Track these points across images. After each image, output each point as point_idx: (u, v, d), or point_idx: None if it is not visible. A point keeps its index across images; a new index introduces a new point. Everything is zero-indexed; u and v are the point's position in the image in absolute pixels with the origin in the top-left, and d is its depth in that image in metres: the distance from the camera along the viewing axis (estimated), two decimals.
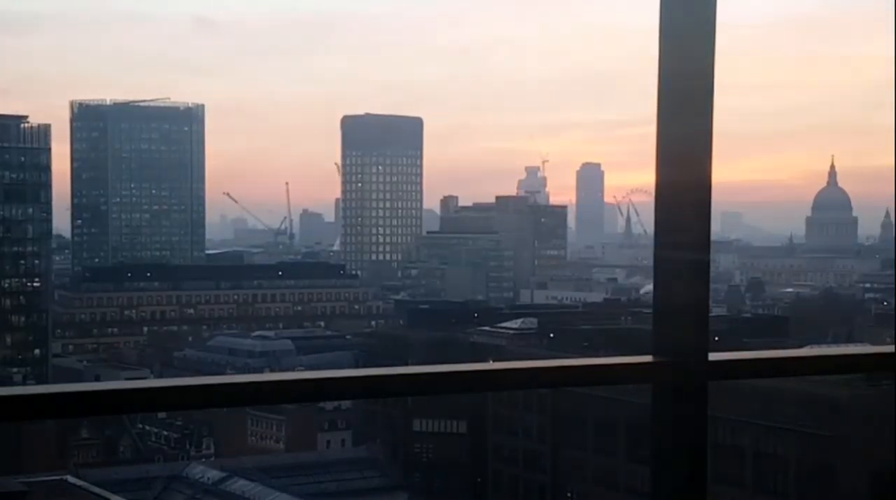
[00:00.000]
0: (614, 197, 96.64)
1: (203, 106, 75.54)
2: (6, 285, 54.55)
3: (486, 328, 46.57)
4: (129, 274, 64.38)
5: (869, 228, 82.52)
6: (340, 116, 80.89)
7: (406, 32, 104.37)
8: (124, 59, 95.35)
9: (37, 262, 56.24)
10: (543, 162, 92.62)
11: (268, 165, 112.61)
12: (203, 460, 38.12)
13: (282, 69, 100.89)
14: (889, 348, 4.24)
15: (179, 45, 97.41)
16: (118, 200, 73.23)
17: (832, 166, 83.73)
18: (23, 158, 55.66)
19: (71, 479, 27.56)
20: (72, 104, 72.42)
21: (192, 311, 62.59)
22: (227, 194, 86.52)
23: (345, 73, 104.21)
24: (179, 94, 77.36)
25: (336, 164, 79.79)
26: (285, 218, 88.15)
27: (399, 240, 76.89)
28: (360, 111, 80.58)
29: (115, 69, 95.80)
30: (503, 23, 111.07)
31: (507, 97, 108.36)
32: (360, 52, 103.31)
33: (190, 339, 58.02)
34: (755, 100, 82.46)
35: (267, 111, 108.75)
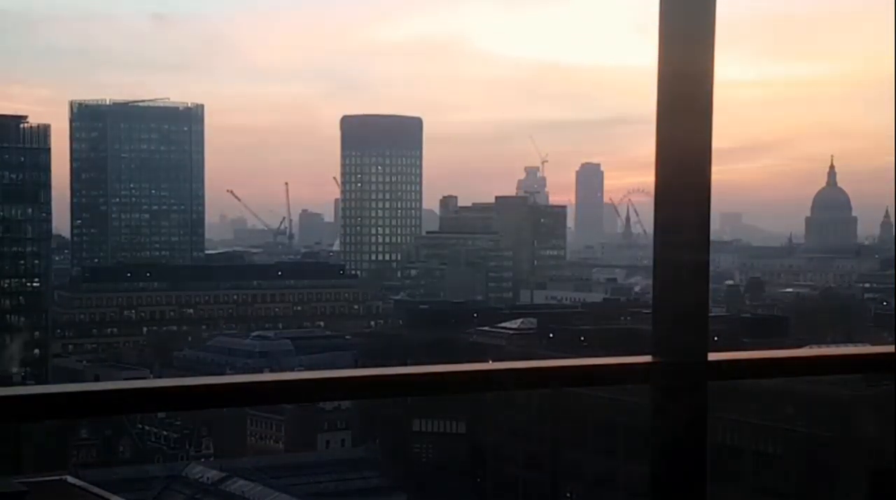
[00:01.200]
0: (611, 199, 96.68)
1: (202, 106, 75.65)
2: (6, 285, 54.56)
3: (486, 328, 46.56)
4: (129, 274, 64.37)
5: (869, 228, 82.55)
6: (340, 116, 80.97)
7: (402, 30, 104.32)
8: (93, 57, 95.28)
9: (37, 262, 56.25)
10: (543, 162, 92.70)
11: (267, 165, 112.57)
12: (203, 460, 38.10)
13: (268, 67, 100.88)
14: (889, 348, 4.25)
15: (147, 44, 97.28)
16: (118, 200, 73.24)
17: (832, 166, 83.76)
18: (22, 158, 55.67)
19: (71, 479, 27.53)
20: (71, 104, 72.48)
21: (191, 311, 62.59)
22: (231, 192, 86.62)
23: (342, 71, 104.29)
24: (151, 92, 77.36)
25: (335, 178, 79.92)
26: (284, 218, 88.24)
27: (399, 240, 76.89)
28: (360, 111, 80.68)
29: (106, 71, 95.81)
30: (502, 22, 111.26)
31: (506, 96, 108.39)
32: (352, 49, 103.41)
33: (189, 339, 58.02)
34: (754, 98, 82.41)
35: (262, 110, 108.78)
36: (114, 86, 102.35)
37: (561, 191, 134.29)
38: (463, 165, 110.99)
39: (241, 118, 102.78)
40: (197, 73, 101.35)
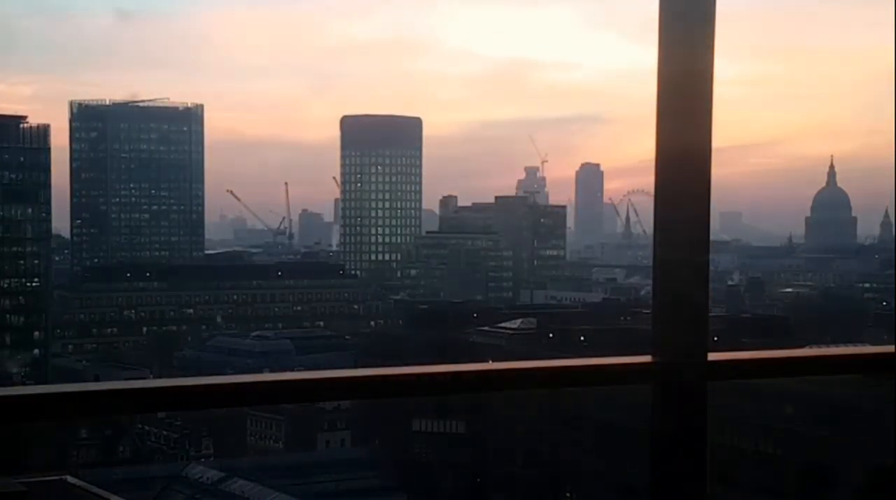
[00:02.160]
0: (610, 199, 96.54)
1: (202, 106, 75.65)
2: (6, 285, 54.59)
3: (486, 328, 46.56)
4: (129, 274, 64.38)
5: (869, 228, 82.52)
6: (340, 116, 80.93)
7: (372, 27, 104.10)
8: (69, 54, 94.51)
9: (36, 262, 56.28)
10: (543, 162, 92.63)
11: (266, 165, 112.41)
12: (202, 460, 38.08)
13: (249, 65, 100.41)
14: (889, 348, 4.25)
15: (117, 41, 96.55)
16: (118, 200, 73.24)
17: (832, 166, 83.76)
18: (22, 158, 55.72)
19: (71, 479, 27.50)
20: (71, 104, 72.49)
21: (191, 311, 62.59)
22: (230, 192, 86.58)
23: (319, 69, 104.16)
24: (127, 90, 77.08)
25: (334, 178, 79.91)
26: (284, 218, 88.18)
27: (399, 240, 76.86)
28: (360, 111, 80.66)
29: (86, 69, 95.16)
30: (469, 19, 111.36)
31: (504, 94, 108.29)
32: (326, 46, 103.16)
33: (189, 339, 58.03)
34: (753, 95, 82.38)
35: (259, 109, 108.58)
36: (97, 84, 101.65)
37: (561, 191, 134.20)
38: (463, 164, 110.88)
39: (226, 116, 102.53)
40: (177, 72, 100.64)
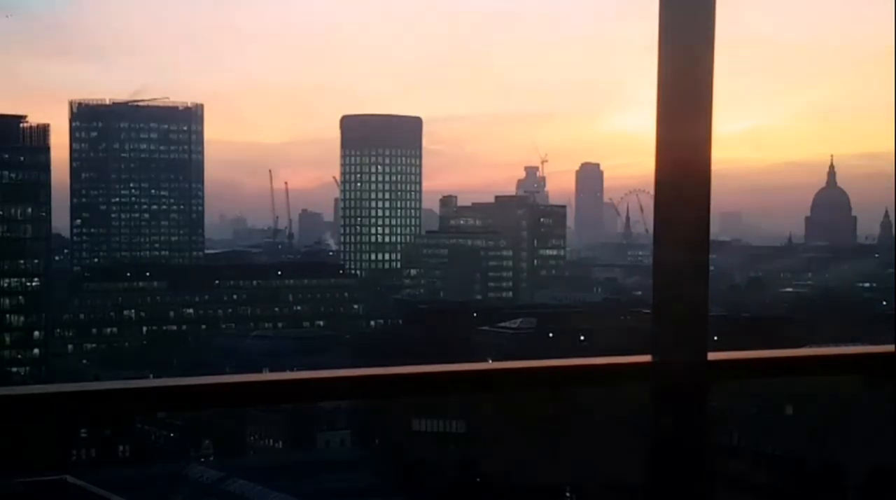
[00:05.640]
0: (610, 199, 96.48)
1: (202, 106, 75.67)
2: (6, 285, 54.59)
3: (486, 328, 46.57)
4: (129, 274, 64.40)
5: (869, 228, 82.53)
6: (340, 116, 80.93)
7: (403, 25, 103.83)
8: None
9: (36, 262, 56.27)
10: (543, 162, 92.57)
11: (266, 165, 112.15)
12: (202, 459, 38.09)
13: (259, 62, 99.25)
14: (889, 348, 4.25)
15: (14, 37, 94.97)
16: (117, 199, 73.26)
17: (831, 166, 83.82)
18: (22, 158, 55.72)
19: (71, 479, 27.50)
20: (71, 104, 72.50)
21: (191, 311, 62.61)
22: (229, 192, 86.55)
23: (340, 69, 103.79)
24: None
25: (334, 177, 79.91)
26: (279, 217, 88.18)
27: (398, 240, 76.89)
28: (360, 111, 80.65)
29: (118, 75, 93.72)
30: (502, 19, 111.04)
31: (505, 94, 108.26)
32: (349, 44, 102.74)
33: (189, 339, 58.04)
34: (752, 95, 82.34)
35: (261, 107, 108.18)
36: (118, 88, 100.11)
37: (560, 191, 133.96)
38: (463, 164, 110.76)
39: (237, 114, 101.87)
40: (74, 64, 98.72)
